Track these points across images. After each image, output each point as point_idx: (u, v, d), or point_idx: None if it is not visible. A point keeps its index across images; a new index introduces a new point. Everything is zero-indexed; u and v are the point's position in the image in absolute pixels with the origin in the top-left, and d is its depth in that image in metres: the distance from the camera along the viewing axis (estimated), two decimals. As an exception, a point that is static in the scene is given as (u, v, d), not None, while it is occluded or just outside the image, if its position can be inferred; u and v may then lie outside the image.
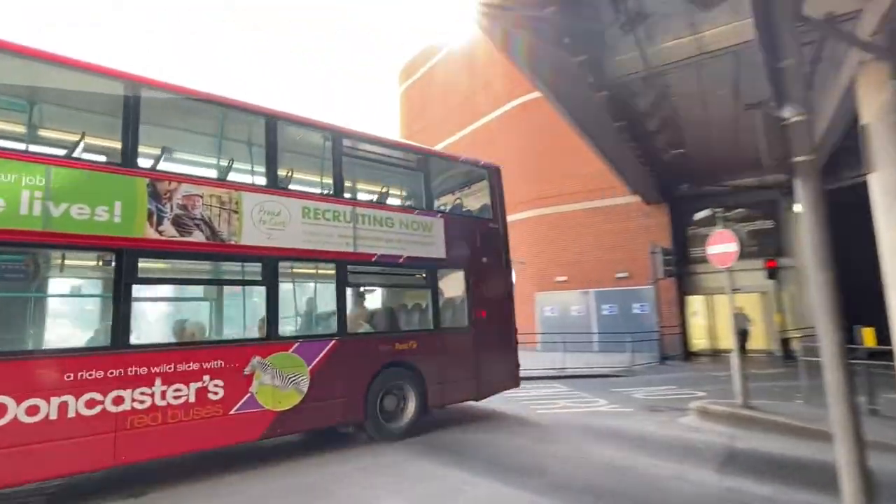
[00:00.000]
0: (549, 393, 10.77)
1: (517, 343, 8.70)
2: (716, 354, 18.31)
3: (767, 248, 16.84)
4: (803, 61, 1.92)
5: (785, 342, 15.25)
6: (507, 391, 8.72)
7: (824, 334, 1.85)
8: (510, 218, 24.26)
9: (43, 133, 6.06)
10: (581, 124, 11.52)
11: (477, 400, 8.02)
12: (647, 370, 14.38)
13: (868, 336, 7.84)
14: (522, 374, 13.39)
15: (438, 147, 28.41)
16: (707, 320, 19.88)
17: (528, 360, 15.67)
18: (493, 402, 9.70)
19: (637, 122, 12.01)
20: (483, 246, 8.28)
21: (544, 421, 8.14)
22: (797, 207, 15.92)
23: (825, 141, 12.08)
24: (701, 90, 11.16)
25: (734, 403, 8.02)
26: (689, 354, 18.17)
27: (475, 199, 9.28)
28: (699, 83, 10.81)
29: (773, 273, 16.21)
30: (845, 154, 13.93)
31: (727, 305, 8.63)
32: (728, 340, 8.46)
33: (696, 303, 19.77)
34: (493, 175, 8.80)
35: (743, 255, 8.33)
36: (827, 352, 1.87)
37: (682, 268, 18.10)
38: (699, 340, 19.71)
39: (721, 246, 8.16)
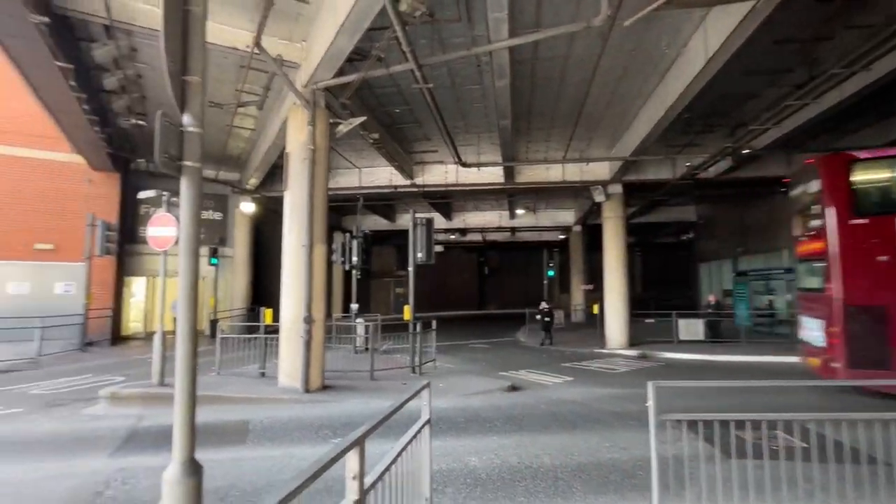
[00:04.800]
0: None
1: None
2: (149, 337, 18.05)
3: (213, 238, 18.39)
4: (204, 81, 2.27)
5: (214, 322, 17.00)
6: None
7: (181, 311, 2.22)
8: None
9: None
10: (5, 46, 8.66)
11: None
12: (61, 360, 12.34)
13: (268, 315, 10.00)
14: None
15: None
16: (148, 303, 19.32)
17: None
18: None
19: (92, 72, 10.31)
20: None
21: None
22: (244, 206, 18.40)
23: (269, 155, 14.60)
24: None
25: (150, 384, 8.17)
26: (120, 338, 16.98)
27: None
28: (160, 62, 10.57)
29: (214, 260, 17.86)
30: (281, 170, 17.37)
31: (160, 287, 8.73)
32: (166, 323, 8.60)
33: (137, 284, 18.84)
34: None
35: (183, 240, 8.71)
36: (181, 328, 2.24)
37: (125, 246, 16.85)
38: (135, 323, 18.84)
39: (161, 228, 8.22)
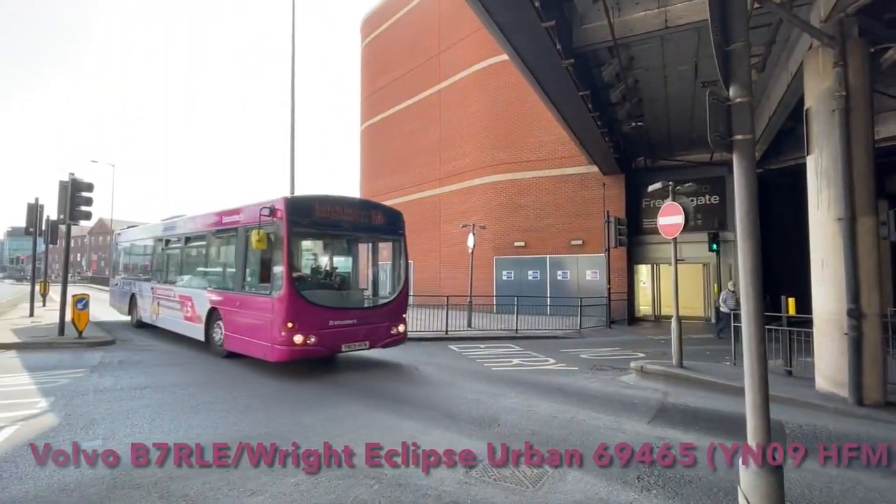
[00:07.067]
0: (503, 352, 11.23)
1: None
2: (658, 320, 19.52)
3: (711, 222, 17.81)
4: (750, 45, 2.07)
5: (719, 310, 16.44)
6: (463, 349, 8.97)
7: (745, 295, 2.08)
8: (474, 182, 24.20)
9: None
10: (546, 91, 11.56)
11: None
12: (595, 333, 15.19)
13: (791, 305, 8.60)
14: (478, 333, 13.86)
15: (405, 105, 27.76)
16: (652, 288, 21.02)
17: (484, 321, 16.22)
18: (448, 358, 10.06)
19: (600, 91, 12.18)
20: None
21: (498, 377, 8.55)
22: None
23: (773, 121, 12.71)
24: (663, 64, 11.40)
25: (669, 364, 8.70)
26: (633, 319, 19.27)
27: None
28: (662, 57, 11.03)
29: (714, 245, 17.23)
30: (788, 136, 14.74)
31: (672, 274, 9.17)
32: (671, 307, 9.11)
33: (643, 271, 20.81)
34: None
35: (689, 227, 8.85)
36: (746, 309, 2.11)
37: (632, 237, 18.91)
38: (644, 307, 20.86)
39: (670, 217, 8.61)
